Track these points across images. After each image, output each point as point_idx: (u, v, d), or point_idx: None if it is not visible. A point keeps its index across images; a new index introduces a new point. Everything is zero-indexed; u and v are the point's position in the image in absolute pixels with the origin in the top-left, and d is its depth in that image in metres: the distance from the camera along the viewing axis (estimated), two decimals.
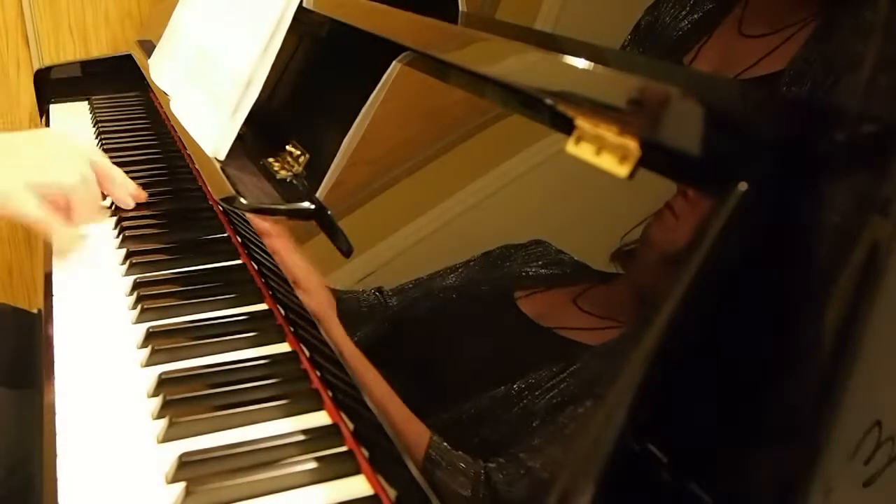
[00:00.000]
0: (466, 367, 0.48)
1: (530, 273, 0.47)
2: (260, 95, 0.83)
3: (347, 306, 0.58)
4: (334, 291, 0.60)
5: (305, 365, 0.66)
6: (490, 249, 0.50)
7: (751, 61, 0.41)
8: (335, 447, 0.57)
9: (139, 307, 0.75)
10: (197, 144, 0.85)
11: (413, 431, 0.47)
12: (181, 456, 0.55)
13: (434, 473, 0.44)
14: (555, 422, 0.40)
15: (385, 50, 0.70)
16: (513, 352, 0.46)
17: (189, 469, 0.54)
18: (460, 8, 0.67)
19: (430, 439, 0.45)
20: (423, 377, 0.51)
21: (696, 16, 0.46)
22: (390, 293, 0.55)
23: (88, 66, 1.52)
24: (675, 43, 0.46)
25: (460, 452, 0.43)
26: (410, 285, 0.54)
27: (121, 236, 0.89)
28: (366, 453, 0.55)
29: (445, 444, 0.44)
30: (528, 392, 0.42)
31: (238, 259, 0.85)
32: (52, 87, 1.49)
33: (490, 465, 0.41)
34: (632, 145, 0.42)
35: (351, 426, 0.58)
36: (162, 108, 1.06)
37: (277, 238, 0.70)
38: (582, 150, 0.45)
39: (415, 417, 0.47)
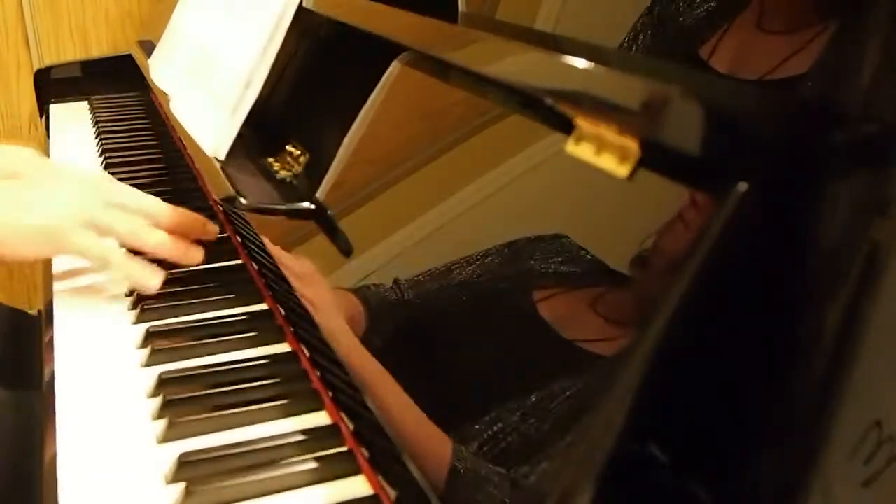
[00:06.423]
0: (484, 375, 0.48)
1: (549, 270, 0.46)
2: (260, 95, 0.83)
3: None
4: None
5: (305, 365, 0.66)
6: (514, 240, 0.49)
7: (770, 61, 0.40)
8: (335, 447, 0.57)
9: (139, 307, 0.75)
10: (197, 144, 0.85)
11: (432, 442, 0.46)
12: (181, 456, 0.55)
13: (457, 485, 0.44)
14: (568, 428, 0.40)
15: (385, 50, 0.70)
16: (532, 362, 0.46)
17: (189, 469, 0.54)
18: (460, 8, 0.67)
19: (452, 450, 0.45)
20: (440, 385, 0.50)
21: (711, 3, 0.45)
22: (407, 285, 0.55)
23: (88, 66, 1.52)
24: (691, 32, 0.46)
25: (485, 462, 0.43)
26: (424, 280, 0.54)
27: None
28: (366, 453, 0.55)
29: (470, 453, 0.44)
30: (544, 401, 0.41)
31: (238, 259, 0.84)
32: (52, 87, 1.48)
33: (516, 474, 0.41)
34: (632, 145, 0.42)
35: (351, 426, 0.58)
36: (162, 108, 1.06)
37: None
38: (582, 150, 0.45)
39: (435, 428, 0.47)
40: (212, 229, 0.82)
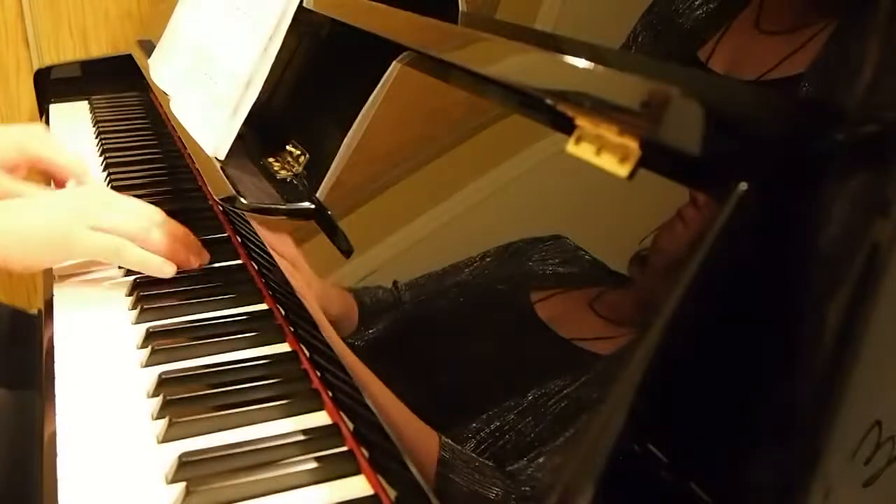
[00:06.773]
0: (482, 374, 0.48)
1: (547, 272, 0.46)
2: (260, 95, 0.83)
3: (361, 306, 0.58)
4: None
5: (305, 365, 0.67)
6: (510, 242, 0.50)
7: (769, 62, 0.40)
8: (335, 447, 0.57)
9: (139, 307, 0.75)
10: (197, 144, 0.85)
11: (422, 435, 0.47)
12: (181, 456, 0.55)
13: (448, 477, 0.44)
14: (566, 427, 0.40)
15: (385, 50, 0.70)
16: (530, 361, 0.46)
17: (189, 469, 0.54)
18: (460, 8, 0.67)
19: (440, 441, 0.45)
20: (439, 384, 0.50)
21: (711, 4, 0.45)
22: (405, 286, 0.55)
23: (88, 66, 1.52)
24: (689, 33, 0.46)
25: (473, 454, 0.43)
26: (423, 280, 0.54)
27: None
28: (366, 453, 0.55)
29: (458, 445, 0.44)
30: (542, 400, 0.41)
31: (238, 259, 0.85)
32: (52, 87, 1.49)
33: (513, 472, 0.41)
34: (632, 145, 0.42)
35: (351, 426, 0.58)
36: (162, 108, 1.06)
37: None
38: (582, 150, 0.45)
39: (424, 425, 0.47)
40: (201, 259, 0.83)
